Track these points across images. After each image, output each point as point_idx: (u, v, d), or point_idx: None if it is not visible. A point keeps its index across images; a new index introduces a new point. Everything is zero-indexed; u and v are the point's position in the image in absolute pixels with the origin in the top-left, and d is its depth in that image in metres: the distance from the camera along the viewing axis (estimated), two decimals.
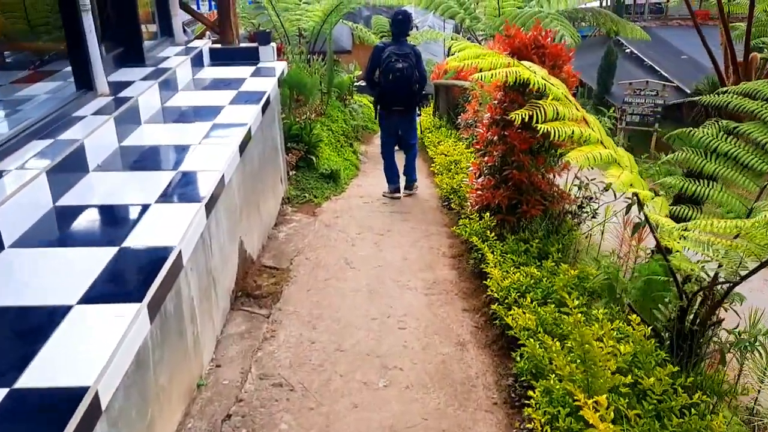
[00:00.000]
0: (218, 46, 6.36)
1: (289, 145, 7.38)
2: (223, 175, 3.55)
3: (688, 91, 23.20)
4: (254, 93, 5.13)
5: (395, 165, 7.00)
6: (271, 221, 5.51)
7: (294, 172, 7.20)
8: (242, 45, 6.35)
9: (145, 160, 3.73)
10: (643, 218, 3.05)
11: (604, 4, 29.30)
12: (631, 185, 2.45)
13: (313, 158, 7.54)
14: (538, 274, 3.65)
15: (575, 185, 4.41)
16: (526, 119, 2.67)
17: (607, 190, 4.31)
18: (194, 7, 16.63)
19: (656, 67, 24.69)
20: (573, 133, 2.54)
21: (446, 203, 6.37)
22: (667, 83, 22.03)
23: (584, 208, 4.59)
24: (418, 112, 6.88)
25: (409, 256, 4.91)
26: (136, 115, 4.25)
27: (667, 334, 2.85)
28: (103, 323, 2.20)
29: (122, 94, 4.32)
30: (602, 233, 4.44)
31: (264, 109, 4.99)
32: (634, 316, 2.74)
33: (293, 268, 4.62)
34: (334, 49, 16.67)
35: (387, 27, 21.46)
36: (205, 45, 6.06)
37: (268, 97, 5.19)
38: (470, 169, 4.59)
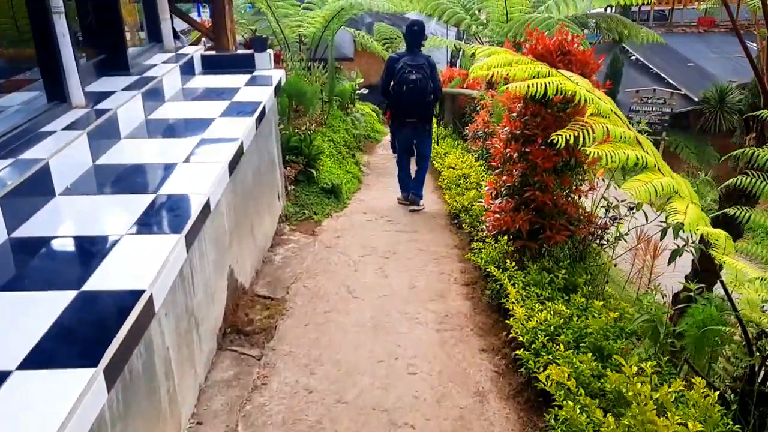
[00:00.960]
0: (211, 53, 5.93)
1: (287, 157, 6.96)
2: (208, 199, 3.11)
3: (696, 99, 22.81)
4: (248, 104, 4.70)
5: (408, 172, 6.91)
6: (266, 243, 5.07)
7: (293, 187, 6.77)
8: (237, 52, 5.93)
9: (122, 181, 3.29)
10: (693, 252, 2.61)
11: (607, 11, 28.97)
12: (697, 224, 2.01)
13: (313, 172, 7.11)
14: (567, 311, 3.20)
15: (603, 207, 3.96)
16: (571, 141, 2.22)
17: (637, 210, 3.86)
18: (195, 13, 16.30)
19: (662, 75, 24.31)
20: (628, 159, 2.09)
21: (456, 221, 5.92)
22: (674, 91, 21.63)
23: (608, 229, 4.15)
24: (433, 123, 6.62)
25: (418, 283, 4.47)
26: (114, 130, 3.82)
27: (732, 395, 2.41)
28: (47, 394, 1.75)
29: (100, 106, 3.89)
30: (633, 261, 3.99)
31: (259, 121, 4.56)
32: (699, 379, 2.28)
33: (290, 298, 4.18)
34: (335, 56, 16.30)
35: (389, 34, 21.16)
36: (196, 52, 5.63)
37: (264, 108, 4.76)
38: (486, 188, 4.15)
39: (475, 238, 5.02)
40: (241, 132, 4.05)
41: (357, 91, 15.84)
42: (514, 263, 3.88)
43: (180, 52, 5.64)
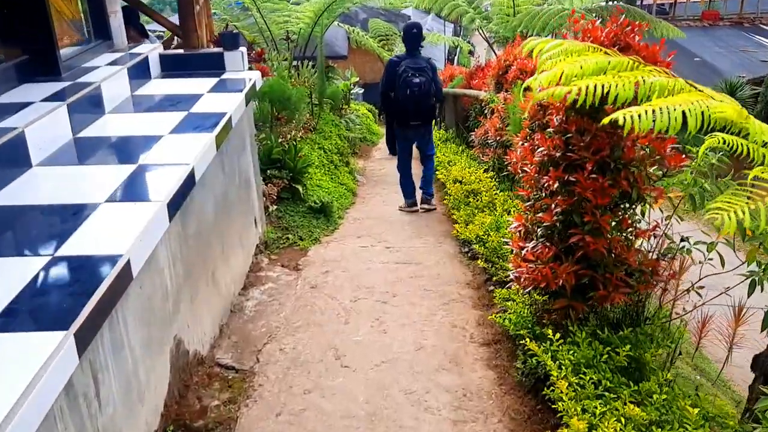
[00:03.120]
0: (172, 52, 4.96)
1: (269, 172, 6.00)
2: (127, 263, 2.16)
3: None
4: (209, 115, 3.74)
5: (411, 179, 6.84)
6: (236, 287, 4.11)
7: (275, 207, 5.81)
8: (202, 51, 4.96)
9: (6, 235, 2.34)
10: None
11: (612, 3, 27.94)
12: None
13: (299, 188, 6.16)
14: (641, 414, 2.25)
15: (664, 252, 3.00)
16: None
17: (710, 251, 2.90)
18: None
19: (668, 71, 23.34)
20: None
21: (467, 250, 4.97)
22: None
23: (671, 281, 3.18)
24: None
25: (425, 341, 3.51)
26: (20, 155, 2.86)
27: None
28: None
29: (7, 123, 2.94)
30: (702, 324, 3.03)
31: (221, 137, 3.60)
32: None
33: (260, 370, 3.22)
34: (328, 55, 15.35)
35: (384, 31, 20.20)
36: (152, 51, 4.66)
37: (229, 121, 3.80)
38: (512, 225, 3.18)
39: (494, 278, 4.08)
40: (194, 154, 3.10)
41: (352, 91, 14.92)
42: (551, 326, 2.94)
43: (134, 51, 4.67)
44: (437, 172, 7.76)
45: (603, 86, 1.87)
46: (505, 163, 5.80)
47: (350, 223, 6.28)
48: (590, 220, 2.64)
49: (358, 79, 15.75)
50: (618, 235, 2.72)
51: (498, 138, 5.99)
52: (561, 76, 1.97)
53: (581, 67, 1.91)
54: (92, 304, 1.90)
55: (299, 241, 5.46)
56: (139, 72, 4.41)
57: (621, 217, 2.79)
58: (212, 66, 4.86)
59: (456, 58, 31.22)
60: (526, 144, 4.41)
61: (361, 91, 20.24)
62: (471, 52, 34.37)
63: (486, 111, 7.22)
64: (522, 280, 2.87)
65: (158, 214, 2.52)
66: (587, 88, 1.90)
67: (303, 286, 4.32)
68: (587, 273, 2.74)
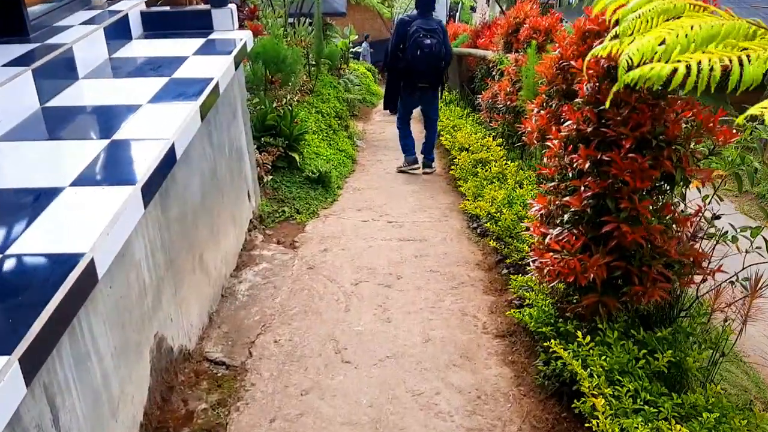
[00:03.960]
0: (155, 9, 4.54)
1: (263, 140, 5.63)
2: (90, 263, 1.84)
3: None
4: (194, 81, 3.37)
5: (411, 135, 6.81)
6: (227, 269, 3.79)
7: (270, 177, 5.46)
8: (188, 8, 4.54)
9: None
10: None
11: None
12: None
13: (296, 156, 5.79)
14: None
15: (705, 237, 2.67)
16: None
17: (755, 236, 2.57)
18: None
19: None
20: None
21: (476, 225, 4.64)
22: None
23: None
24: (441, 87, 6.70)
25: (433, 332, 3.21)
26: None
27: None
28: None
29: None
30: (745, 316, 2.71)
31: (208, 106, 3.24)
32: None
33: (252, 366, 2.92)
34: (326, 11, 14.77)
35: None
36: (133, 8, 4.24)
37: (217, 87, 3.43)
38: (533, 209, 2.83)
39: (508, 260, 3.75)
40: (175, 127, 2.75)
41: (354, 49, 14.39)
42: (575, 320, 2.63)
43: (113, 8, 4.26)
44: (441, 137, 7.40)
45: (731, 61, 1.38)
46: (518, 132, 5.44)
47: (350, 194, 5.94)
48: (627, 206, 2.30)
49: (356, 36, 15.19)
50: (658, 224, 2.38)
51: (508, 103, 5.61)
52: (655, 49, 1.44)
53: (686, 36, 1.40)
54: (44, 319, 1.59)
55: (296, 214, 5.12)
56: (118, 32, 4.02)
57: (662, 203, 2.44)
58: (199, 25, 4.45)
59: (457, 14, 30.43)
60: (542, 111, 4.04)
61: (371, 50, 19.62)
62: (473, 8, 33.51)
63: (494, 72, 6.81)
64: (546, 274, 2.53)
65: (131, 200, 2.18)
66: (707, 66, 1.38)
67: (300, 267, 4.00)
68: (621, 265, 2.41)
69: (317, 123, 7.46)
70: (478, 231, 4.54)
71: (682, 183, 2.41)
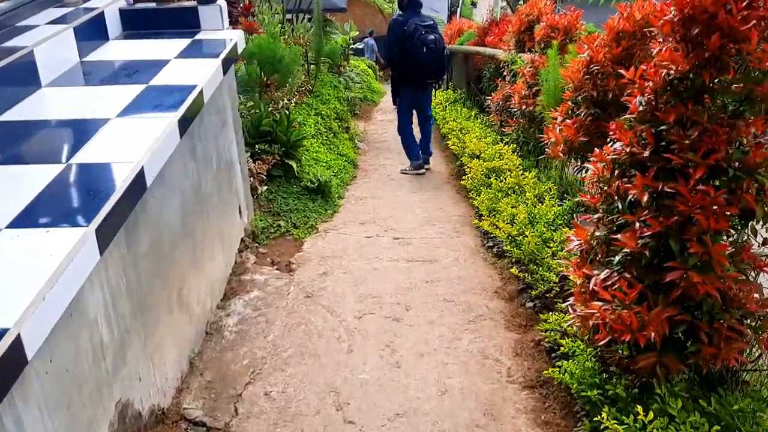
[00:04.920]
0: (136, 6, 4.09)
1: (258, 147, 5.19)
2: (16, 339, 1.40)
3: None
4: (174, 89, 2.93)
5: (414, 138, 6.75)
6: (212, 300, 3.35)
7: (265, 187, 5.02)
8: (172, 5, 4.08)
9: None
10: None
11: None
12: None
13: (293, 164, 5.35)
14: None
15: None
16: None
17: None
18: None
19: None
20: None
21: (492, 244, 4.20)
22: None
23: None
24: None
25: (450, 380, 2.77)
26: None
27: None
28: None
29: None
30: None
31: (189, 118, 2.80)
32: None
33: (237, 428, 2.48)
34: (326, 7, 14.29)
35: None
36: (110, 6, 3.79)
37: (200, 96, 2.99)
38: (572, 244, 2.37)
39: (533, 291, 3.31)
40: (145, 147, 2.31)
41: (351, 45, 13.91)
42: (624, 378, 2.19)
43: (88, 5, 3.81)
44: (448, 141, 6.99)
45: None
46: (534, 139, 5.00)
47: (352, 204, 5.50)
48: (698, 251, 1.86)
49: (357, 32, 14.73)
50: (734, 271, 1.94)
51: (523, 107, 5.15)
52: None
53: None
54: None
55: (293, 229, 4.69)
56: (92, 32, 3.58)
57: (740, 245, 2.00)
58: (185, 24, 4.01)
59: (459, 10, 29.93)
60: (568, 121, 3.60)
61: (361, 45, 19.08)
62: (474, 4, 33.00)
63: (505, 73, 6.35)
64: (593, 331, 2.09)
65: (81, 246, 1.74)
66: None
67: (296, 295, 3.56)
68: (685, 319, 1.97)
69: (316, 126, 7.02)
70: (495, 250, 4.10)
71: (762, 220, 1.96)
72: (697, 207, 1.86)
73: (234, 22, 6.75)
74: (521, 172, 4.78)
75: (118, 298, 2.11)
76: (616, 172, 2.21)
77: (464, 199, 5.53)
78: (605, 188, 2.26)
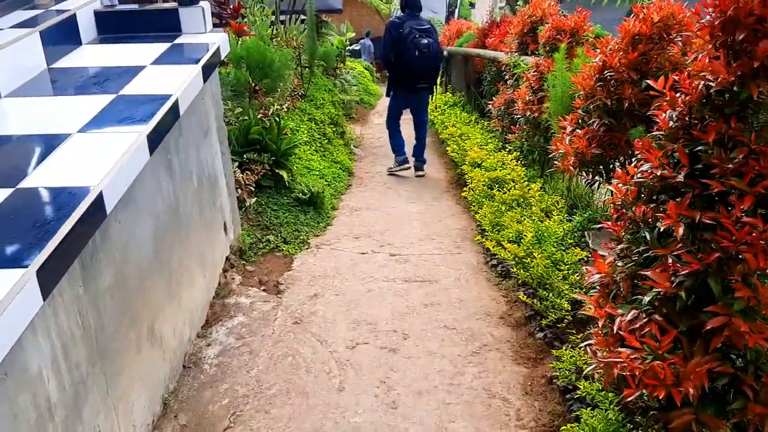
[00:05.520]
0: (113, 8, 3.81)
1: (246, 156, 4.90)
2: None
3: None
4: (146, 100, 2.65)
5: (401, 134, 6.78)
6: (191, 330, 3.07)
7: (254, 199, 4.73)
8: (152, 6, 3.80)
9: None
10: None
11: None
12: None
13: (284, 174, 5.06)
14: None
15: None
16: None
17: None
18: None
19: None
20: None
21: (495, 262, 3.92)
22: None
23: None
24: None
25: (453, 424, 2.49)
26: None
27: None
28: None
29: None
30: None
31: (162, 132, 2.53)
32: None
33: None
34: (321, 8, 14.00)
35: None
36: (83, 8, 3.51)
37: (176, 106, 2.71)
38: (591, 277, 2.08)
39: (543, 320, 3.03)
40: (105, 168, 2.03)
41: (347, 47, 13.63)
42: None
43: (59, 7, 3.52)
44: (447, 147, 6.72)
45: None
46: (542, 149, 4.73)
47: (346, 216, 5.21)
48: (745, 295, 1.58)
49: (354, 34, 14.46)
50: None
51: (528, 114, 4.87)
52: None
53: None
54: None
55: (282, 244, 4.41)
56: (63, 36, 3.30)
57: None
58: (165, 26, 3.73)
59: (457, 10, 29.70)
60: (579, 131, 3.33)
61: (358, 47, 18.79)
62: (472, 4, 32.77)
63: (507, 77, 6.07)
64: (616, 375, 1.81)
65: (14, 294, 1.46)
66: None
67: (284, 321, 3.28)
68: (727, 371, 1.70)
69: (310, 132, 6.74)
70: (499, 269, 3.82)
71: None
72: (742, 242, 1.59)
73: (224, 24, 6.48)
74: (526, 182, 4.50)
75: (71, 346, 1.83)
76: (643, 196, 1.93)
77: (464, 210, 5.25)
78: (630, 215, 1.98)
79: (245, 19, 6.58)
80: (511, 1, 11.36)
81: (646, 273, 1.80)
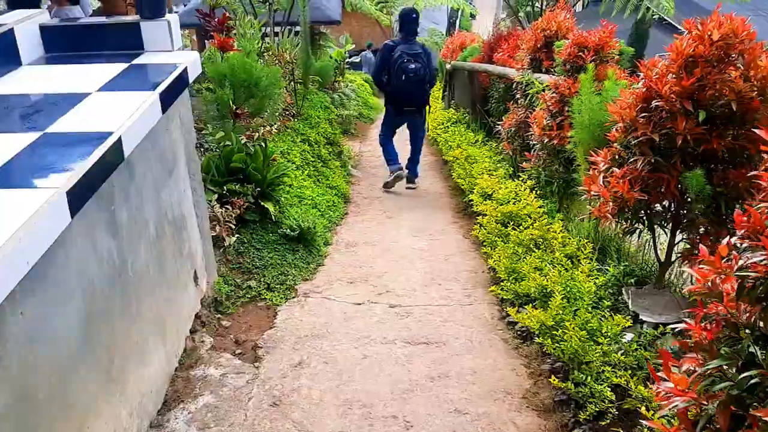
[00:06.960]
0: (62, 23, 3.24)
1: (227, 188, 4.33)
2: None
3: None
4: (78, 140, 2.08)
5: (393, 146, 6.86)
6: (143, 420, 2.48)
7: (234, 238, 4.15)
8: (109, 20, 3.23)
9: None
10: None
11: None
12: None
13: (270, 206, 4.49)
14: None
15: None
16: None
17: None
18: None
19: None
20: None
21: (514, 322, 3.33)
22: None
23: None
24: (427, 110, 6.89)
25: None
26: None
27: None
28: None
29: None
30: None
31: (96, 183, 1.96)
32: None
33: None
34: (319, 20, 13.48)
35: None
36: (23, 23, 2.94)
37: (117, 148, 2.14)
38: (671, 404, 1.50)
39: (582, 415, 2.42)
40: (7, 234, 1.45)
41: (347, 59, 13.11)
42: None
43: None
44: (453, 171, 6.17)
45: None
46: (563, 180, 4.16)
47: (340, 254, 4.64)
48: None
49: (353, 46, 13.94)
50: None
51: (545, 140, 4.29)
52: None
53: None
54: None
55: (265, 292, 3.84)
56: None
57: None
58: (124, 44, 3.16)
59: (458, 21, 29.30)
60: (617, 170, 2.76)
61: (358, 59, 18.28)
62: (473, 15, 32.38)
63: (518, 95, 5.51)
64: None
65: None
66: None
67: (259, 402, 2.70)
68: None
69: (303, 155, 6.17)
70: (518, 328, 3.24)
71: None
72: None
73: (208, 38, 5.91)
74: (545, 219, 3.92)
75: None
76: (750, 292, 1.35)
77: (474, 245, 4.68)
78: (722, 312, 1.40)
79: (233, 32, 6.02)
80: (513, 11, 10.84)
81: (757, 414, 1.22)
